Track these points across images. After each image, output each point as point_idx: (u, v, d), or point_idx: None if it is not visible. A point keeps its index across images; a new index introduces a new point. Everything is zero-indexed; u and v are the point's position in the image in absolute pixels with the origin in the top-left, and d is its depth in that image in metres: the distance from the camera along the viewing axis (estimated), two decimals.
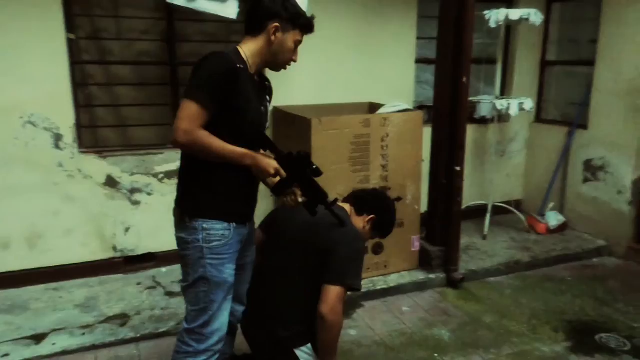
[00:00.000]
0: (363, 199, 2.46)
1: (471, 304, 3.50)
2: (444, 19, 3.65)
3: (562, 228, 4.64)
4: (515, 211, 4.74)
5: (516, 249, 4.27)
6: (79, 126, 3.55)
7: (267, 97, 2.10)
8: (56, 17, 3.32)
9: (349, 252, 2.18)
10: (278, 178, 1.96)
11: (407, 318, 3.29)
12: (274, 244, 2.33)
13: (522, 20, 4.31)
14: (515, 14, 4.23)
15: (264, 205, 2.45)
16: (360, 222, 2.39)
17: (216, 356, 2.04)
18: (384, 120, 3.55)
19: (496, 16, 4.25)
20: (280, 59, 2.01)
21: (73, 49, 3.49)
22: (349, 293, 2.20)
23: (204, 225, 1.93)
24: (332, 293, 2.08)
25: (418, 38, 4.47)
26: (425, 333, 3.12)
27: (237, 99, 1.87)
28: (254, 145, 2.00)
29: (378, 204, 2.46)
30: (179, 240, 2.00)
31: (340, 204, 2.40)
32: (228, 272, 2.00)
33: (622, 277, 3.93)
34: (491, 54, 4.70)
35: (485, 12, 4.33)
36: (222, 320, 2.02)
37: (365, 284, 3.57)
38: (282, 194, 2.05)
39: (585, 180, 4.61)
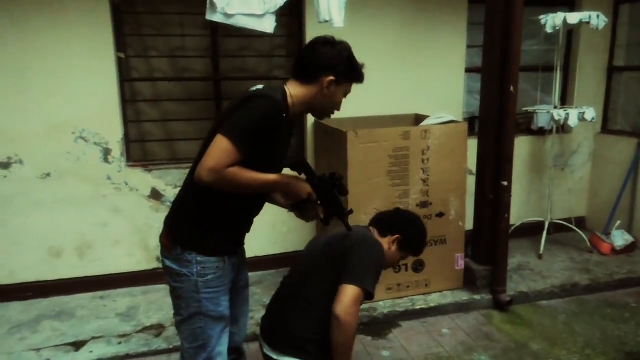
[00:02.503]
0: (385, 221, 2.38)
1: (518, 328, 3.26)
2: (490, 25, 3.47)
3: (629, 249, 4.24)
4: (576, 229, 4.39)
5: (575, 270, 3.95)
6: (127, 141, 3.71)
7: (292, 132, 2.04)
8: (107, 37, 3.50)
9: (366, 253, 2.12)
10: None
11: (446, 341, 3.11)
12: (294, 269, 2.31)
13: (583, 24, 4.03)
14: (573, 17, 3.95)
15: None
16: (385, 244, 2.30)
17: None
18: (425, 133, 3.42)
19: (552, 21, 4.00)
20: (327, 110, 1.98)
21: (122, 67, 3.66)
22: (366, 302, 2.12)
23: (199, 259, 1.85)
24: (348, 292, 2.00)
25: (468, 46, 4.29)
26: (464, 358, 2.93)
27: (269, 145, 1.81)
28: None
29: (401, 223, 2.36)
30: (169, 270, 1.91)
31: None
32: (225, 304, 1.94)
33: None
34: (550, 61, 4.42)
35: (541, 16, 4.09)
36: (222, 355, 1.97)
37: (404, 303, 3.45)
38: (303, 209, 1.99)
39: None
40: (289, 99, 1.87)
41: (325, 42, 1.89)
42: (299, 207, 1.99)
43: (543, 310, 3.50)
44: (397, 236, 2.31)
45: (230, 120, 1.74)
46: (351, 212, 2.04)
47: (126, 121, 3.72)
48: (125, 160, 3.68)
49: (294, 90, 1.89)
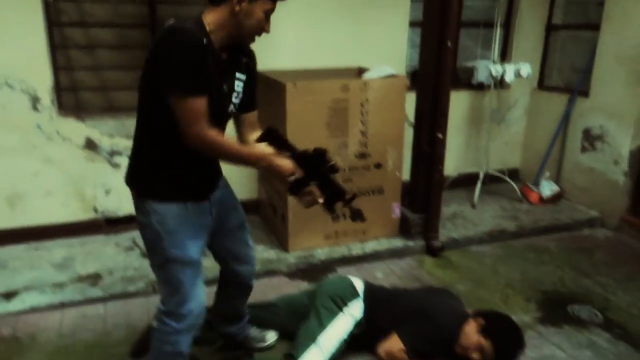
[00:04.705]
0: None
1: (447, 271, 3.45)
2: None
3: (556, 198, 4.51)
4: (509, 180, 4.61)
5: (504, 218, 4.17)
6: (58, 89, 3.56)
7: (240, 75, 1.91)
8: None
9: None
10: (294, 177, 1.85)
11: (378, 284, 3.25)
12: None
13: None
14: None
15: None
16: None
17: (195, 329, 2.02)
18: (364, 86, 3.45)
19: None
20: (247, 31, 1.80)
21: (50, 11, 3.47)
22: None
23: (155, 207, 1.83)
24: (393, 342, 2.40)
25: (412, 0, 4.30)
26: None
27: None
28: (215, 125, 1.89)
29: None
30: (138, 221, 1.92)
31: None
32: (194, 249, 1.91)
33: (611, 249, 3.81)
34: (492, 17, 4.50)
35: None
36: (197, 297, 1.97)
37: (341, 250, 3.57)
38: (299, 193, 1.93)
39: (583, 149, 4.44)
40: (207, 27, 1.75)
41: None
42: (294, 189, 1.86)
43: (471, 255, 3.70)
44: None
45: (165, 76, 1.70)
46: (354, 197, 1.94)
47: (56, 68, 3.55)
48: (57, 109, 3.54)
49: (209, 17, 1.77)
